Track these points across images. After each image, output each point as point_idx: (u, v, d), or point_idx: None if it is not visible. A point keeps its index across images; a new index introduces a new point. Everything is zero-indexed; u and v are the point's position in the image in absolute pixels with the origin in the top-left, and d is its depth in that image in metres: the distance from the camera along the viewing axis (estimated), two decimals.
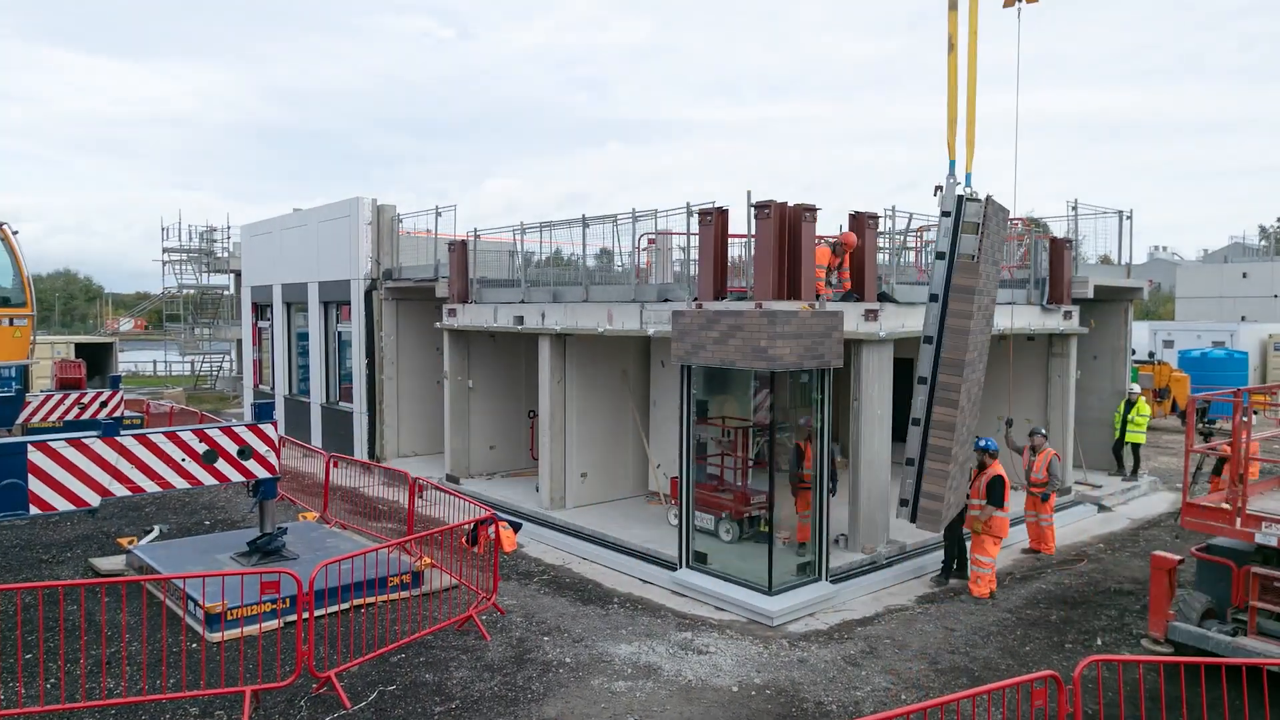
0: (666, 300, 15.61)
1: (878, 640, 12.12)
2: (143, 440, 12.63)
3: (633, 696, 10.27)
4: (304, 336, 28.17)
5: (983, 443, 14.43)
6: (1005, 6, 14.51)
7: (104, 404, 24.38)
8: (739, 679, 10.73)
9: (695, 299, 14.32)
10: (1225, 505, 10.90)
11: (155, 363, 61.46)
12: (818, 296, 13.73)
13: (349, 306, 24.89)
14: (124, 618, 12.01)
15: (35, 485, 11.63)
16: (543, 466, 18.31)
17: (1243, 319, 44.72)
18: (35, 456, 11.64)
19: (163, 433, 12.91)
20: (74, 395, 24.27)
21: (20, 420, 20.61)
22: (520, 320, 18.63)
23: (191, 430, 13.16)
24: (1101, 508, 19.36)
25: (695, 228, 14.84)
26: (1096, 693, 10.23)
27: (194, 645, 11.46)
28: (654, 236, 17.72)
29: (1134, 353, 27.44)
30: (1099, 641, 12.16)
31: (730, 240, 14.79)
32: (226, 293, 49.06)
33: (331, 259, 25.39)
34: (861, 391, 14.85)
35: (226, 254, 45.69)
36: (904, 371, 15.79)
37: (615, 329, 16.36)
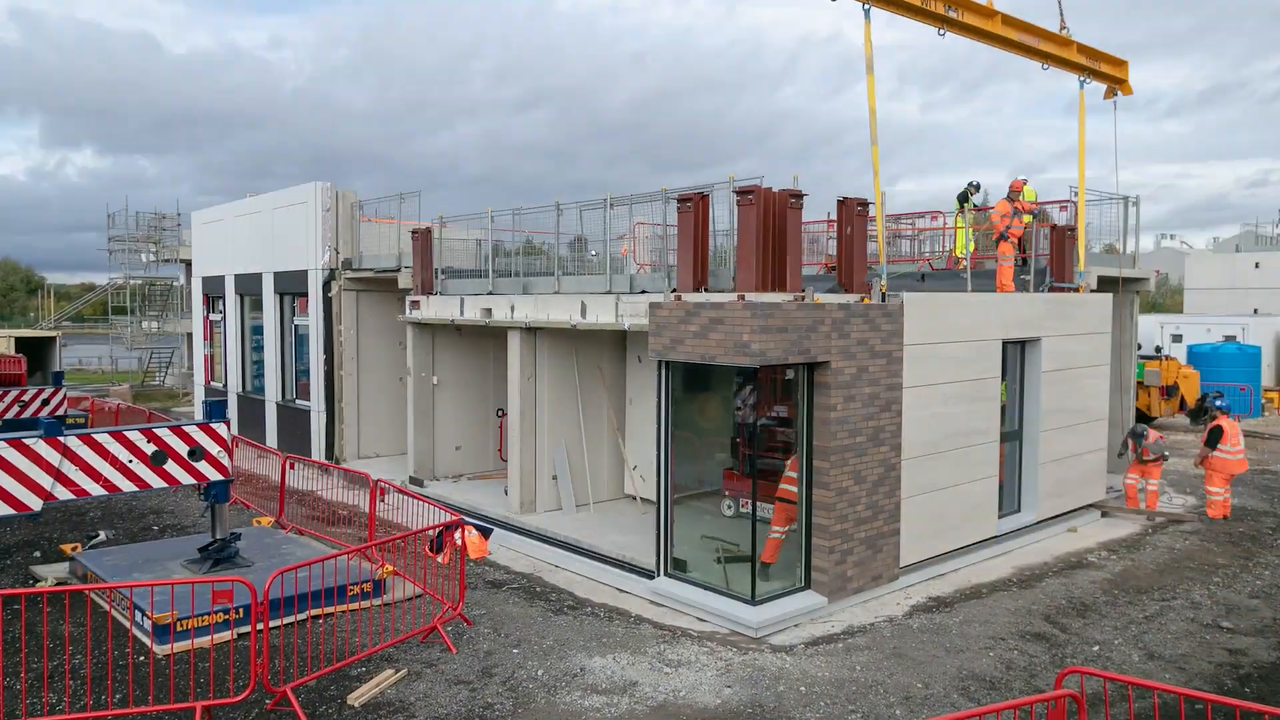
0: (643, 292, 15.70)
1: (868, 653, 12.24)
2: (87, 440, 12.67)
3: (608, 713, 10.35)
4: (258, 330, 28.14)
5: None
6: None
7: (46, 402, 24.40)
8: (720, 695, 10.83)
9: (674, 290, 14.41)
10: None
11: (100, 358, 61.20)
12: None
13: (306, 298, 24.89)
14: (67, 629, 12.04)
15: None
16: (512, 468, 18.37)
17: (1255, 311, 45.03)
18: None
19: (108, 432, 12.95)
20: (14, 392, 24.28)
21: None
22: (488, 313, 18.68)
23: (139, 430, 13.20)
24: (1104, 512, 19.53)
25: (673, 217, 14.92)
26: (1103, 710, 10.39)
27: (141, 658, 11.50)
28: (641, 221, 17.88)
29: (1140, 347, 27.64)
30: (1094, 649, 12.34)
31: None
32: (176, 283, 48.90)
33: (288, 248, 25.36)
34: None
35: (176, 242, 45.58)
36: None
37: (589, 322, 16.44)
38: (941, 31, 15.79)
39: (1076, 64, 18.51)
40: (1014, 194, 18.36)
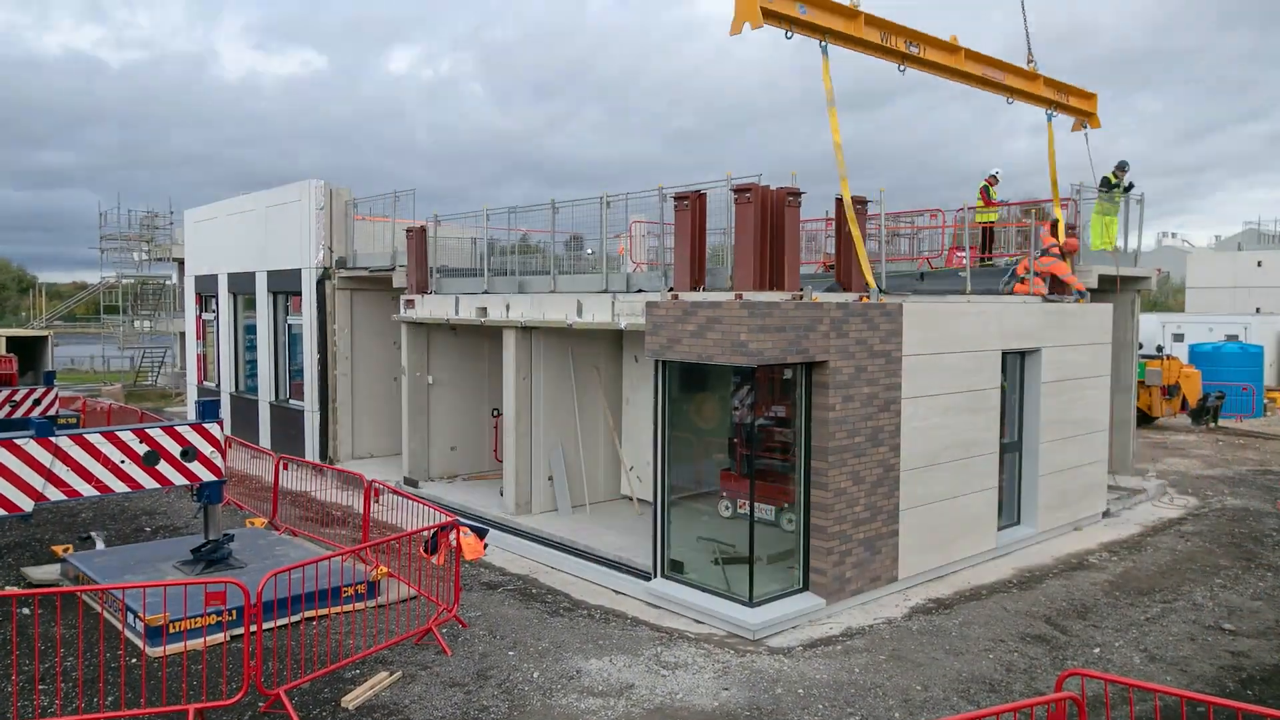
0: (640, 291, 15.71)
1: (867, 655, 12.25)
2: (79, 441, 12.66)
3: (604, 715, 10.36)
4: (252, 329, 28.15)
5: None
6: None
7: (37, 402, 24.37)
8: (718, 697, 10.84)
9: (671, 289, 14.42)
10: None
11: (92, 358, 61.19)
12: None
13: (300, 297, 24.89)
14: (59, 631, 12.02)
15: None
16: (507, 469, 18.37)
17: (1258, 310, 45.10)
18: None
19: (100, 433, 12.94)
20: (5, 392, 24.25)
21: None
22: (483, 312, 18.68)
23: (131, 430, 13.19)
24: (1106, 513, 19.55)
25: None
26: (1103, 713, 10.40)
27: (134, 660, 11.49)
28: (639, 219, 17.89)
29: (1141, 346, 27.66)
30: (1095, 651, 12.36)
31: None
32: (169, 282, 48.89)
33: (281, 246, 25.36)
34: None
35: (169, 241, 45.57)
36: None
37: (585, 321, 16.44)
38: (902, 68, 15.61)
39: (1043, 98, 18.54)
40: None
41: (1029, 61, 18.09)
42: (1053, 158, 19.19)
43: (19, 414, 23.66)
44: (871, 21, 14.84)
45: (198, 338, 32.54)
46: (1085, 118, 19.95)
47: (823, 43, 14.23)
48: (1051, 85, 18.72)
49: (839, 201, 14.81)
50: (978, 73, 16.91)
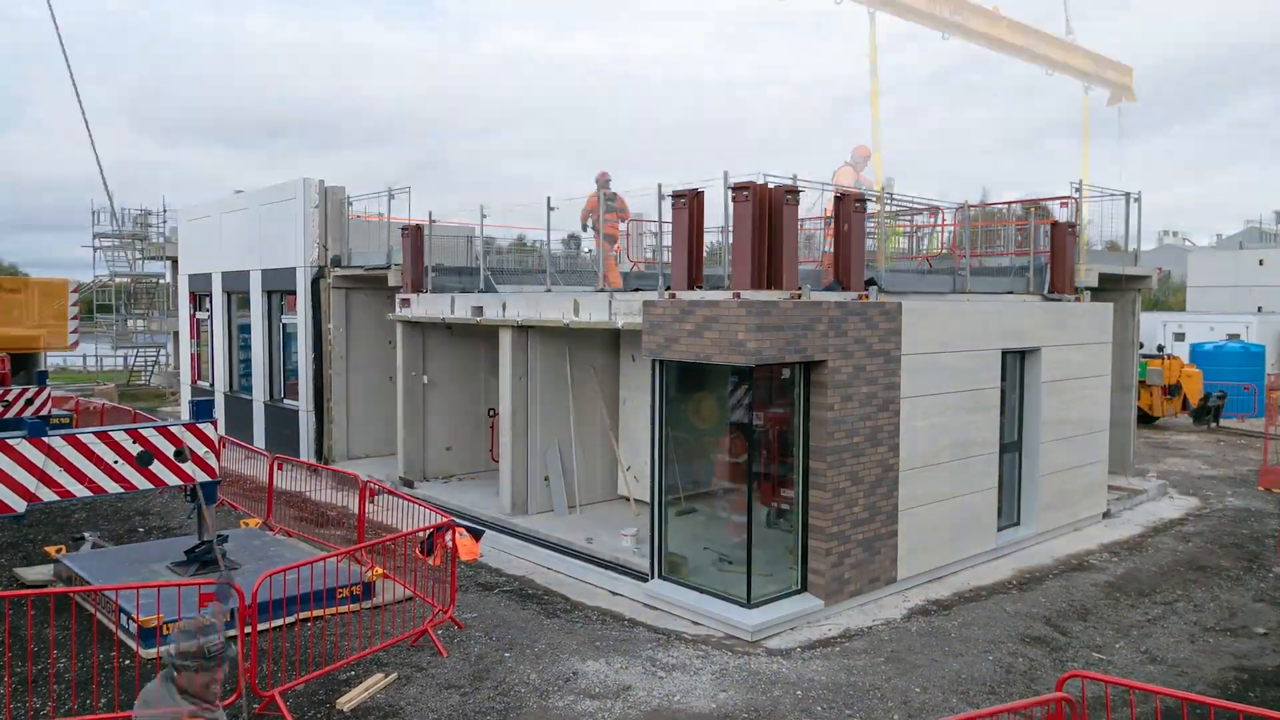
0: (637, 290, 15.71)
1: (866, 656, 12.27)
2: (72, 441, 12.64)
3: (601, 718, 10.36)
4: (246, 328, 28.09)
5: None
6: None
7: (29, 401, 24.33)
8: (715, 699, 10.85)
9: (668, 288, 14.42)
10: None
11: (85, 357, 61.08)
12: None
13: (294, 296, 24.86)
14: (51, 632, 12.02)
15: None
16: (503, 469, 18.38)
17: (1259, 309, 45.09)
18: None
19: (93, 433, 12.92)
20: None
21: None
22: (479, 311, 18.68)
23: (124, 430, 13.18)
24: (1106, 513, 19.57)
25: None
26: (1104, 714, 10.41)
27: (127, 662, 11.49)
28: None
29: (1142, 346, 27.68)
30: (1096, 653, 12.37)
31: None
32: (162, 281, 48.86)
33: (275, 245, 25.33)
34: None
35: (162, 239, 45.54)
36: None
37: (582, 320, 16.44)
38: (946, 35, 15.86)
39: (1081, 70, 18.59)
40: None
41: (1068, 33, 18.14)
42: (1087, 132, 19.22)
43: (11, 414, 23.62)
44: None
45: (191, 337, 32.53)
46: (1122, 91, 19.97)
47: (871, 9, 14.62)
48: (1089, 58, 18.76)
49: (837, 199, 14.81)
50: (1019, 42, 17.12)
